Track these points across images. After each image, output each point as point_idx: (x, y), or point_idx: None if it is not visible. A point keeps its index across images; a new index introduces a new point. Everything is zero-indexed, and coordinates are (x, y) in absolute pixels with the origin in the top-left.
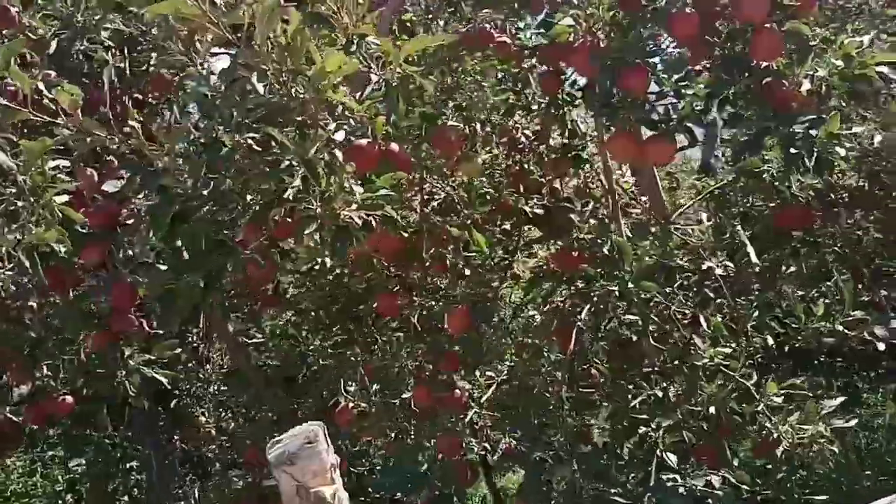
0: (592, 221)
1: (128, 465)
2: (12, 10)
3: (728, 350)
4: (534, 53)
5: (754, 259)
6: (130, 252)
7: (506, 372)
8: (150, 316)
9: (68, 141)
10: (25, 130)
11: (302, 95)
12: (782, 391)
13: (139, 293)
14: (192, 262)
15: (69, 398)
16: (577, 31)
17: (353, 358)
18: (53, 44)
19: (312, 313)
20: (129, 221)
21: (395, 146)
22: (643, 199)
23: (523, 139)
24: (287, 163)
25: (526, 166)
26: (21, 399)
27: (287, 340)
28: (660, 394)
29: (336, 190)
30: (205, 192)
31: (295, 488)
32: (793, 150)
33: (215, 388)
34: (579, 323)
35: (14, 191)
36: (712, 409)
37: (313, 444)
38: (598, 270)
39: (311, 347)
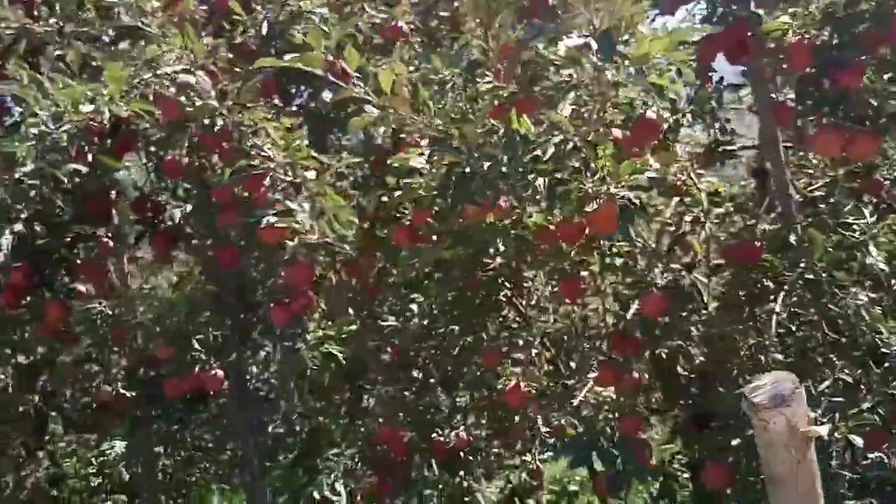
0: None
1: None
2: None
3: None
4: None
5: None
6: None
7: None
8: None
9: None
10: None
11: (614, 78)
12: None
13: (315, 271)
14: (464, 235)
15: (220, 372)
16: (791, 28)
17: (519, 341)
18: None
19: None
20: None
21: (617, 132)
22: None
23: None
24: (571, 144)
25: None
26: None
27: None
28: (849, 379)
29: (611, 170)
30: (503, 170)
31: (788, 430)
32: None
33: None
34: (777, 310)
35: (272, 166)
36: None
37: (800, 389)
38: (782, 261)
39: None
